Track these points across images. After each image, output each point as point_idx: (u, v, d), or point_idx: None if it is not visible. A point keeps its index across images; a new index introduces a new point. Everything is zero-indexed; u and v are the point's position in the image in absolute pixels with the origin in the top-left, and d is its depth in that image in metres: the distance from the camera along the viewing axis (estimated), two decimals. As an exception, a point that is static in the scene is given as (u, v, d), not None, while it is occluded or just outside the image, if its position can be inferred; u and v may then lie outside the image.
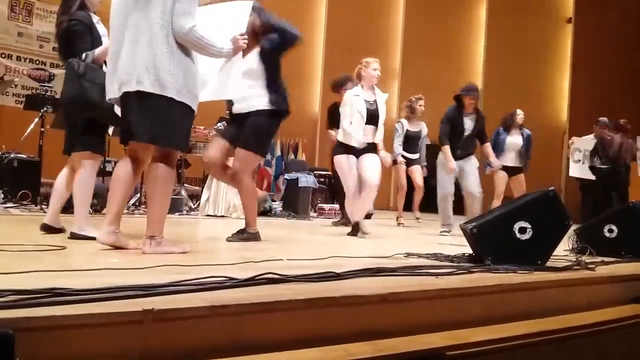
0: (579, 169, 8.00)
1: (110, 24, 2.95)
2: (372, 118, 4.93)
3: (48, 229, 3.55)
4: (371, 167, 4.87)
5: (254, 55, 3.87)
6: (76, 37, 3.44)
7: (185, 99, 2.79)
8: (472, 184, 5.71)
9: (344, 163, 4.92)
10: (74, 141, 3.55)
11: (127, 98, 2.82)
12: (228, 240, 3.81)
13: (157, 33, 2.73)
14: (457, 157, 5.68)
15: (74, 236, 3.34)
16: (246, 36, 3.31)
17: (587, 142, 8.02)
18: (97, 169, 3.59)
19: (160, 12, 2.73)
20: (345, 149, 4.92)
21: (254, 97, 3.86)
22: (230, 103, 4.03)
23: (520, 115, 7.04)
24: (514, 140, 6.98)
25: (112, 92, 2.90)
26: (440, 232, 5.69)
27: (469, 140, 5.85)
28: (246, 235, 3.84)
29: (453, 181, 5.74)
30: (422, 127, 7.49)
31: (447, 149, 5.66)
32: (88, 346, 1.47)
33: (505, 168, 6.94)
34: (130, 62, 2.76)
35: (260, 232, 3.91)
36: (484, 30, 13.48)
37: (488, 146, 6.15)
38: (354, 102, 4.89)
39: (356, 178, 4.89)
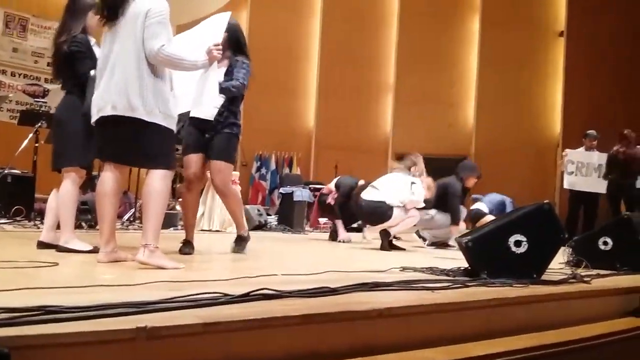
0: (573, 181, 8.02)
1: (99, 55, 3.10)
2: None
3: (45, 246, 3.51)
4: None
5: (222, 71, 3.84)
6: (79, 59, 3.53)
7: (157, 119, 2.88)
8: None
9: None
10: (61, 155, 3.56)
11: (103, 122, 2.95)
12: (234, 251, 3.96)
13: (130, 60, 2.89)
14: None
15: (60, 249, 3.40)
16: (220, 46, 3.36)
17: (580, 154, 8.07)
18: (80, 183, 3.61)
19: (132, 41, 2.90)
20: None
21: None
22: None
23: None
24: None
25: (94, 116, 3.02)
26: None
27: None
28: (245, 239, 4.01)
29: None
30: None
31: None
32: (80, 365, 1.44)
33: None
34: (106, 89, 2.92)
35: (255, 246, 3.91)
36: (477, 43, 13.56)
37: None
38: None
39: None
